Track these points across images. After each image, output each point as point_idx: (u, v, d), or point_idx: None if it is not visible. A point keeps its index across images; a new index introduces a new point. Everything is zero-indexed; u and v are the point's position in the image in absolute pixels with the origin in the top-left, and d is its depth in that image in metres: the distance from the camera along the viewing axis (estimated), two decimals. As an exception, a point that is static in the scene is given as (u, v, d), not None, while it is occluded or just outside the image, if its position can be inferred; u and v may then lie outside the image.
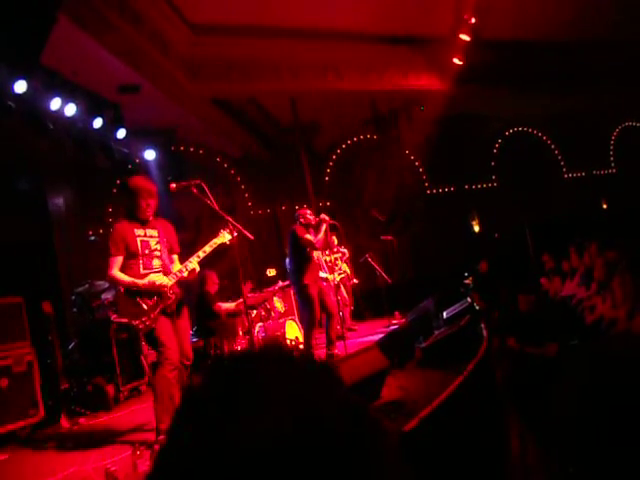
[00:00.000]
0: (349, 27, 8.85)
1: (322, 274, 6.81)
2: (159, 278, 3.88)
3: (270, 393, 0.52)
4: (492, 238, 12.40)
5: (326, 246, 6.35)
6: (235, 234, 4.18)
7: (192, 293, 6.86)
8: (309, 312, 5.73)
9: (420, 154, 12.28)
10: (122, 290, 3.88)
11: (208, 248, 4.08)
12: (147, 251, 3.95)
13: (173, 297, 3.93)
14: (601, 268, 6.24)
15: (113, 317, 6.05)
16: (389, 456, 0.53)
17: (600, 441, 0.83)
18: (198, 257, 4.03)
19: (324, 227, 5.83)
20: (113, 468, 3.15)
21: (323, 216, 5.95)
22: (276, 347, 0.62)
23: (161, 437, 3.69)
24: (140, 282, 3.81)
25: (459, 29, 9.37)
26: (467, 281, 10.23)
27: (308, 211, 6.11)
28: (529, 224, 11.77)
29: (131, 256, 3.90)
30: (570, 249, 8.25)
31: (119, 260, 3.86)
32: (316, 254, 6.52)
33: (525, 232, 11.65)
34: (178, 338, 3.93)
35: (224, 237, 4.13)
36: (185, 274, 3.98)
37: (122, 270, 3.86)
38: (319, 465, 0.47)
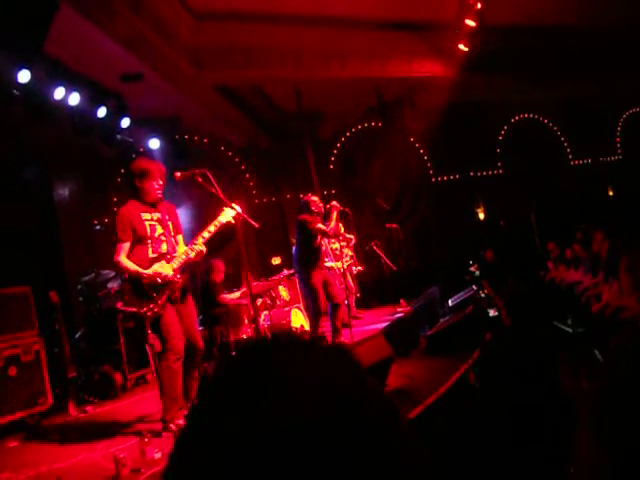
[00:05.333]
0: (353, 13, 8.76)
1: (328, 263, 6.80)
2: (164, 269, 3.84)
3: (297, 377, 0.52)
4: (497, 226, 12.36)
5: (338, 233, 6.33)
6: (239, 210, 4.09)
7: (197, 281, 6.88)
8: (314, 301, 5.74)
9: (425, 142, 12.21)
10: (127, 276, 3.86)
11: (212, 227, 4.02)
12: (156, 234, 3.92)
13: (180, 281, 3.92)
14: (607, 255, 6.21)
15: (120, 305, 6.07)
16: (407, 436, 0.54)
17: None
18: (203, 237, 3.99)
19: (335, 214, 5.82)
20: (121, 455, 3.18)
21: (334, 203, 5.93)
22: (292, 334, 0.62)
23: (171, 425, 3.71)
24: (145, 272, 3.77)
25: (464, 15, 9.26)
26: (472, 269, 10.22)
27: (315, 198, 6.04)
28: (535, 211, 11.72)
29: (139, 240, 3.86)
30: (576, 237, 8.22)
31: (126, 246, 3.82)
32: (323, 242, 6.51)
33: (531, 219, 11.60)
34: (184, 327, 3.93)
35: (227, 215, 4.04)
36: (192, 255, 3.94)
37: (130, 254, 3.83)
38: (346, 446, 0.48)
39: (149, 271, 3.79)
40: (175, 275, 3.87)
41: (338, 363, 0.56)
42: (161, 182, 3.98)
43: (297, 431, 0.47)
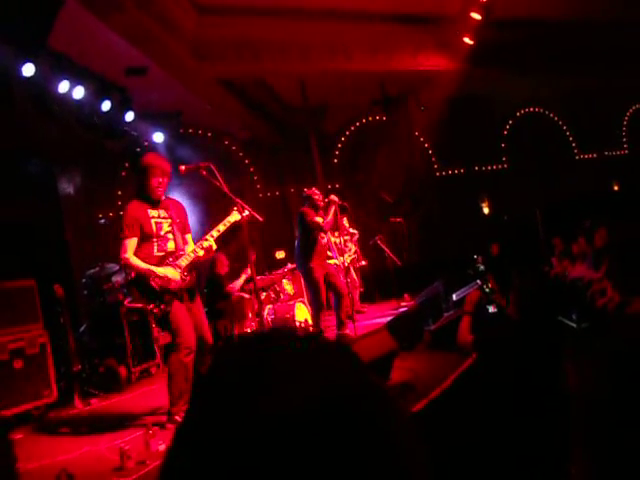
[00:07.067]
0: (358, 6, 8.72)
1: (331, 260, 6.81)
2: (173, 274, 3.83)
3: (295, 369, 0.52)
4: (502, 220, 12.32)
5: (335, 228, 6.34)
6: (245, 213, 4.16)
7: (202, 276, 6.90)
8: (315, 295, 5.75)
9: (429, 135, 12.17)
10: (134, 275, 3.86)
11: (222, 227, 4.06)
12: (162, 232, 3.92)
13: (187, 280, 3.92)
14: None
15: (127, 302, 6.10)
16: (406, 432, 0.54)
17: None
18: (212, 236, 4.01)
19: (333, 209, 5.82)
20: (126, 447, 3.20)
21: (332, 197, 5.93)
22: (291, 328, 0.63)
23: (177, 418, 3.73)
24: (157, 272, 3.75)
25: (470, 7, 9.20)
26: (477, 263, 10.19)
27: (317, 191, 6.08)
28: (539, 206, 11.66)
29: (146, 238, 3.86)
30: (580, 231, 8.18)
31: (133, 242, 3.80)
32: (325, 236, 6.50)
33: (535, 214, 11.54)
34: (194, 322, 3.93)
35: (236, 215, 4.11)
36: (200, 253, 3.96)
37: (136, 252, 3.82)
38: (342, 438, 0.48)
39: (160, 271, 3.77)
40: (182, 275, 3.87)
41: (336, 357, 0.56)
42: (161, 180, 3.92)
43: (293, 425, 0.47)
